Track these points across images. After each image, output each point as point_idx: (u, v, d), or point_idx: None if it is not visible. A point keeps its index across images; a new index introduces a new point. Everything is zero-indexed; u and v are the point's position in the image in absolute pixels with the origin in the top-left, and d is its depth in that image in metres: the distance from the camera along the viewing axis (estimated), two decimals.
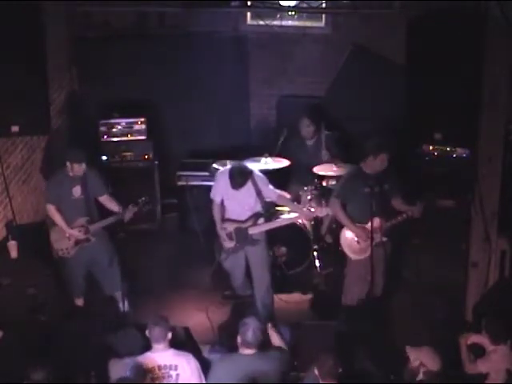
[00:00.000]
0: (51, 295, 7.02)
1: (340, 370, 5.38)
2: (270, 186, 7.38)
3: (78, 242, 7.36)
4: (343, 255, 7.38)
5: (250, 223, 7.32)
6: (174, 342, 5.88)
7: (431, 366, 5.62)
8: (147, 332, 5.77)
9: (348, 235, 7.25)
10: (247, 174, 7.18)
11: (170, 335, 5.76)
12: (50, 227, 7.61)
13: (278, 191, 7.52)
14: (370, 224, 7.04)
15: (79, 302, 7.66)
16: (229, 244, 7.38)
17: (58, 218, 7.34)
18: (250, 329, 5.56)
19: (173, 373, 5.63)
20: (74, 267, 7.47)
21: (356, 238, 7.18)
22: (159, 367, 5.64)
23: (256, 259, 7.47)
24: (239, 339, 5.63)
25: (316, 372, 5.41)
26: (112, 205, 7.47)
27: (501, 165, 6.74)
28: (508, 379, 5.97)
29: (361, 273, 7.25)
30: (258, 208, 7.34)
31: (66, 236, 7.34)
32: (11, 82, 6.44)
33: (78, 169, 7.23)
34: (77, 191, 7.34)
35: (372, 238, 7.03)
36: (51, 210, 7.36)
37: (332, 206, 7.30)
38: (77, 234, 7.33)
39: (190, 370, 5.65)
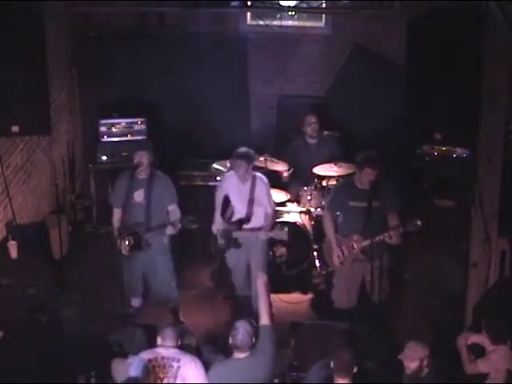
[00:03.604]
0: (51, 295, 7.01)
1: (355, 369, 5.34)
2: (267, 198, 7.42)
3: (132, 247, 7.03)
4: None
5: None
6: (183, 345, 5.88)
7: (422, 354, 5.61)
8: (158, 334, 5.75)
9: (328, 245, 7.31)
10: (250, 155, 7.25)
11: (179, 342, 5.76)
12: (50, 227, 7.58)
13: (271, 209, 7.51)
14: (348, 239, 7.09)
15: (135, 302, 7.48)
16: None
17: (114, 219, 7.14)
18: (239, 333, 5.55)
19: (175, 364, 5.61)
20: (131, 268, 7.16)
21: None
22: (162, 357, 5.64)
23: (257, 260, 7.48)
24: (230, 342, 5.63)
25: (331, 365, 5.37)
26: (175, 218, 7.10)
27: (501, 165, 6.74)
28: (508, 379, 5.97)
29: (343, 285, 7.29)
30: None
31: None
32: (11, 82, 6.45)
33: (139, 160, 6.99)
34: (139, 195, 7.07)
35: (346, 253, 7.09)
36: (113, 211, 7.17)
37: (323, 217, 7.44)
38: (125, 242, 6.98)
39: (194, 368, 5.62)
